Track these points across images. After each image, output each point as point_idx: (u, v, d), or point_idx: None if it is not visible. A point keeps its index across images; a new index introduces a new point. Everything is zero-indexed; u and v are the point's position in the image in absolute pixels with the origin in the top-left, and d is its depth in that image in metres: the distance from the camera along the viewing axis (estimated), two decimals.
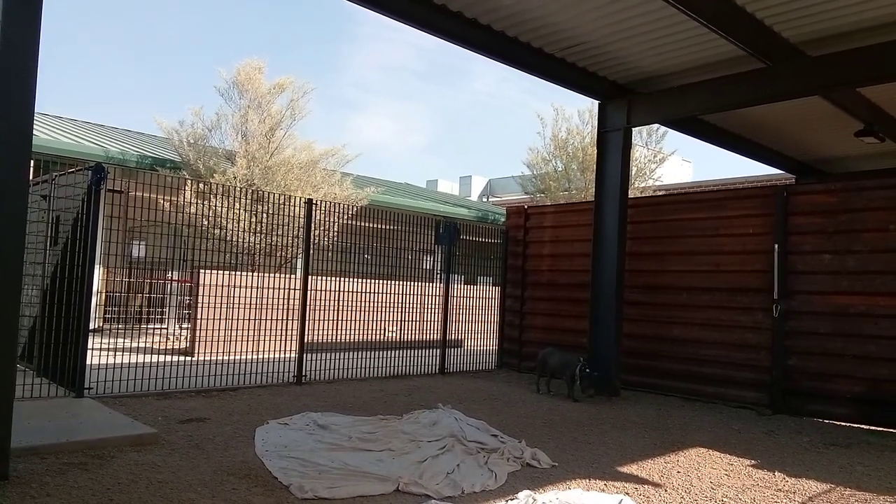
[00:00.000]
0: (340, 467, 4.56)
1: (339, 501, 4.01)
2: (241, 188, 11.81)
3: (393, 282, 10.50)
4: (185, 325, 11.61)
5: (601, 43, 7.88)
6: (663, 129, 16.77)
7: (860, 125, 9.82)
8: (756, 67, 7.79)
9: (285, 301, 9.28)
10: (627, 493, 4.42)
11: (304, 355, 8.30)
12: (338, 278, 9.92)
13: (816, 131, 11.14)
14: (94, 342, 6.77)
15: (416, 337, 10.57)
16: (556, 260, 10.59)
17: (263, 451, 4.90)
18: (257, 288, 9.60)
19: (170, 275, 12.12)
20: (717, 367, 8.49)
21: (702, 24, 6.74)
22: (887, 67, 7.03)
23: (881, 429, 7.09)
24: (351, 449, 5.08)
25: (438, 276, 11.05)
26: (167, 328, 12.00)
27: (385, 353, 9.46)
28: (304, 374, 8.24)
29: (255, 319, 9.09)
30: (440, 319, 10.27)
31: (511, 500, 4.13)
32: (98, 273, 8.84)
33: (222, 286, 9.30)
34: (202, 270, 9.65)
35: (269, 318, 9.17)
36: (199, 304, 9.59)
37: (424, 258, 13.86)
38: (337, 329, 9.64)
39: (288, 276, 11.17)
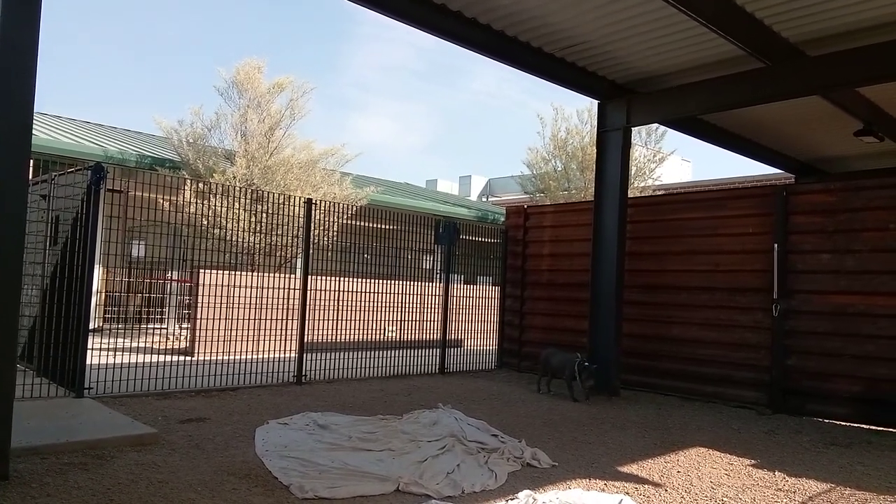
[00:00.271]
0: (340, 467, 4.56)
1: (339, 501, 4.01)
2: (240, 188, 11.80)
3: (393, 281, 10.50)
4: (184, 325, 11.60)
5: (601, 42, 7.88)
6: (663, 128, 16.78)
7: (859, 125, 9.83)
8: (755, 67, 7.79)
9: (285, 301, 9.29)
10: (627, 493, 4.42)
11: (304, 355, 8.30)
12: (337, 278, 9.92)
13: (816, 131, 11.14)
14: (93, 342, 6.77)
15: (416, 337, 10.57)
16: (555, 259, 10.59)
17: (263, 451, 4.89)
18: (257, 288, 9.60)
19: (169, 274, 12.11)
20: (717, 366, 8.49)
21: (701, 24, 6.74)
22: (887, 67, 7.03)
23: (881, 428, 7.10)
24: (351, 449, 5.08)
25: (438, 275, 11.05)
26: (167, 328, 12.00)
27: (385, 352, 9.46)
28: (303, 373, 8.24)
29: (254, 319, 9.09)
30: (440, 319, 10.27)
31: (511, 499, 4.14)
32: (98, 273, 8.84)
33: (222, 286, 9.29)
34: (202, 270, 9.65)
35: (268, 317, 9.18)
36: (199, 304, 9.59)
37: (424, 258, 13.86)
38: (337, 329, 9.64)
39: (288, 275, 11.17)
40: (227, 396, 7.13)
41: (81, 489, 3.92)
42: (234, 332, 8.60)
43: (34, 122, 4.23)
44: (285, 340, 9.00)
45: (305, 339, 8.37)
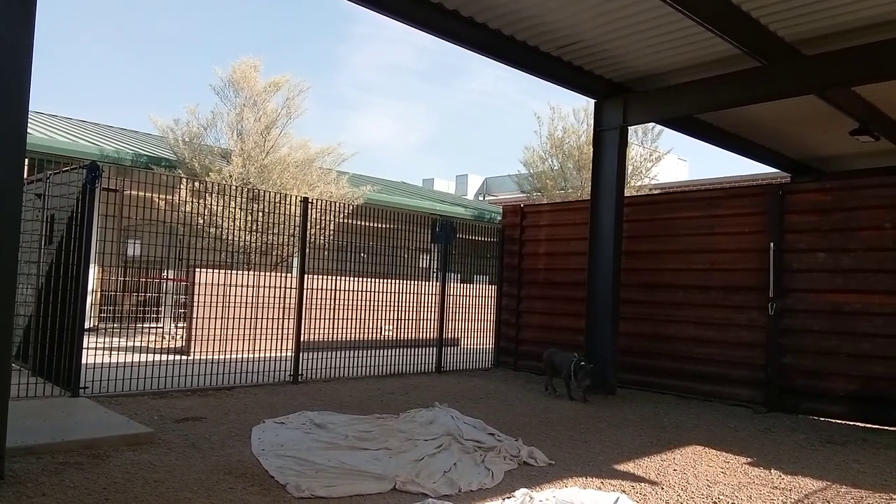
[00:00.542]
0: (337, 466, 4.56)
1: (335, 500, 4.00)
2: (236, 186, 11.78)
3: (389, 280, 10.49)
4: (180, 324, 11.58)
5: (597, 42, 7.89)
6: (659, 127, 16.81)
7: (855, 124, 9.86)
8: (752, 66, 7.81)
9: (281, 300, 9.27)
10: (624, 491, 4.43)
11: (301, 354, 8.29)
12: (334, 277, 9.91)
13: (812, 130, 11.17)
14: (89, 341, 6.75)
15: (413, 336, 10.57)
16: (552, 258, 10.59)
17: (260, 450, 4.89)
18: (253, 287, 9.57)
19: (165, 274, 12.08)
20: (713, 365, 8.51)
21: (698, 23, 6.75)
22: (882, 66, 7.06)
23: (876, 426, 7.12)
24: (347, 448, 5.08)
25: (435, 274, 11.04)
26: (163, 327, 11.97)
27: (382, 351, 9.46)
28: (300, 372, 8.23)
29: (251, 318, 9.07)
30: (437, 318, 10.26)
31: (508, 498, 4.14)
32: (93, 272, 8.81)
33: (218, 285, 9.27)
34: (198, 269, 9.63)
35: (265, 316, 9.16)
36: (195, 303, 9.57)
37: (421, 257, 13.86)
38: (333, 328, 9.63)
39: (284, 274, 11.15)
40: (223, 395, 7.12)
41: (77, 488, 3.91)
42: (230, 332, 8.59)
43: (29, 120, 4.21)
44: (281, 339, 8.98)
45: (302, 338, 8.36)
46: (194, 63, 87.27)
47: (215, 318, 8.85)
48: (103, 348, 8.04)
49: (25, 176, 4.73)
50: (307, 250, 8.57)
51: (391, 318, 10.70)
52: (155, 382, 7.02)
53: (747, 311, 8.26)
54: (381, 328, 10.75)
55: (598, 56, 8.31)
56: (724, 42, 7.20)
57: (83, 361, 6.41)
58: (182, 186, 11.33)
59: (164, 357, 8.17)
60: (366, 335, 10.26)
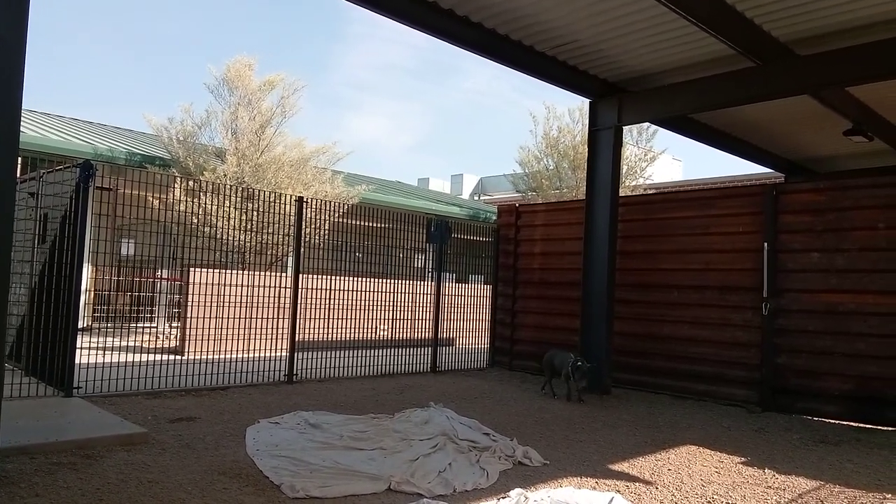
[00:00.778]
0: (332, 466, 4.55)
1: (330, 500, 3.99)
2: (231, 186, 11.75)
3: (384, 280, 10.47)
4: (174, 324, 11.54)
5: (592, 41, 7.89)
6: (654, 127, 16.83)
7: (849, 124, 9.89)
8: (746, 66, 7.83)
9: (276, 299, 9.25)
10: (618, 491, 4.43)
11: (295, 354, 8.27)
12: (329, 276, 9.89)
13: (805, 130, 11.21)
14: (82, 341, 6.72)
15: (408, 335, 10.55)
16: (547, 258, 10.60)
17: (254, 451, 4.87)
18: (248, 286, 9.55)
19: (159, 273, 12.04)
20: (708, 365, 8.53)
21: (692, 23, 6.76)
22: (876, 66, 7.08)
23: (870, 426, 7.15)
24: (342, 448, 5.07)
25: (430, 274, 11.04)
26: (157, 327, 11.93)
27: (376, 351, 9.44)
28: (294, 372, 8.21)
29: (245, 318, 9.05)
30: (432, 318, 10.25)
31: (503, 498, 4.13)
32: (87, 271, 8.77)
33: (212, 284, 9.24)
34: (192, 269, 9.59)
35: (259, 316, 9.14)
36: (189, 303, 9.54)
37: (416, 257, 13.85)
38: (328, 327, 9.61)
39: (278, 274, 11.13)
40: (217, 396, 7.09)
41: (70, 489, 3.89)
42: (224, 331, 8.56)
43: (22, 119, 4.19)
44: (276, 339, 8.96)
45: (297, 338, 8.34)
46: (189, 62, 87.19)
47: (210, 317, 8.82)
48: (97, 348, 8.01)
49: (18, 175, 4.70)
50: (302, 250, 8.55)
51: (386, 317, 10.69)
52: (149, 382, 7.00)
53: (742, 310, 8.28)
54: (376, 328, 10.73)
55: (593, 56, 8.32)
56: (719, 42, 7.22)
57: (77, 361, 6.39)
58: (176, 185, 11.29)
59: (158, 357, 8.14)
60: (361, 335, 10.24)
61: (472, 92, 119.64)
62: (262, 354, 8.91)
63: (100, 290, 11.83)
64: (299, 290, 8.48)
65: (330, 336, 9.55)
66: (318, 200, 10.88)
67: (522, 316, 10.84)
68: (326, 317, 9.63)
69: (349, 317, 10.24)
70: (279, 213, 9.57)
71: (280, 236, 11.70)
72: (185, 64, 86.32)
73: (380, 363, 9.41)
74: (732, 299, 8.39)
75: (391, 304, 10.59)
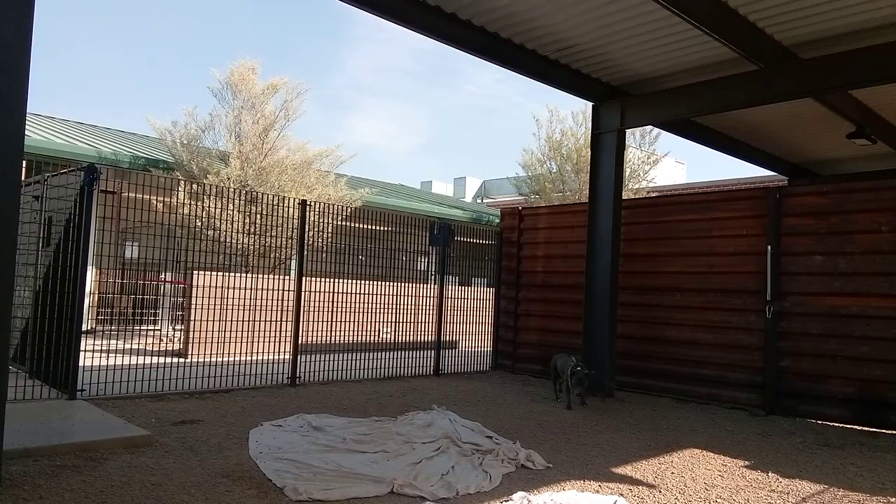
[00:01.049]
0: (335, 469, 4.55)
1: (333, 503, 4.00)
2: (234, 189, 11.78)
3: (387, 283, 10.48)
4: (178, 327, 11.57)
5: (595, 45, 7.90)
6: (657, 130, 16.84)
7: (852, 127, 9.88)
8: (749, 70, 7.83)
9: (279, 302, 9.26)
10: (622, 494, 4.43)
11: (299, 357, 8.28)
12: (332, 279, 9.90)
13: (808, 133, 11.20)
14: (86, 344, 6.74)
15: (411, 338, 10.55)
16: (550, 261, 10.60)
17: (257, 453, 4.88)
18: (251, 289, 9.57)
19: (163, 276, 12.07)
20: (711, 368, 8.52)
21: (695, 27, 6.76)
22: (879, 70, 7.07)
23: (874, 429, 7.13)
24: (345, 450, 5.07)
25: (433, 277, 11.04)
26: (160, 330, 11.96)
27: (379, 354, 9.45)
28: (298, 375, 8.22)
29: (249, 321, 9.06)
30: (434, 321, 10.25)
31: (506, 501, 4.14)
32: (91, 274, 8.80)
33: (216, 287, 9.27)
34: (196, 272, 9.62)
35: (263, 319, 9.15)
36: (193, 306, 9.56)
37: (419, 259, 13.87)
38: (331, 330, 9.62)
39: (282, 277, 11.15)
40: (220, 398, 7.11)
41: (74, 491, 3.90)
42: (227, 334, 8.58)
43: (27, 122, 4.21)
44: (279, 342, 8.97)
45: (300, 341, 8.35)
46: (193, 66, 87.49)
47: (213, 320, 8.84)
48: (101, 351, 8.03)
49: (23, 178, 4.73)
50: (305, 253, 8.57)
51: (389, 320, 10.69)
52: (152, 385, 7.01)
53: (745, 314, 8.26)
54: (378, 331, 10.74)
55: (596, 59, 8.33)
56: (722, 45, 7.22)
57: (80, 364, 6.40)
58: (180, 189, 11.32)
59: (161, 360, 8.16)
60: (364, 338, 10.25)
61: (475, 95, 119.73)
62: (266, 357, 8.93)
63: (104, 293, 11.87)
64: (302, 293, 8.50)
65: (333, 339, 9.56)
66: (322, 203, 10.89)
67: (525, 319, 10.83)
68: (330, 319, 9.64)
69: (352, 320, 10.24)
70: (282, 217, 9.59)
71: (283, 239, 11.74)
72: (188, 67, 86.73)
73: (383, 366, 9.41)
74: (735, 302, 8.38)
75: (394, 307, 10.60)
